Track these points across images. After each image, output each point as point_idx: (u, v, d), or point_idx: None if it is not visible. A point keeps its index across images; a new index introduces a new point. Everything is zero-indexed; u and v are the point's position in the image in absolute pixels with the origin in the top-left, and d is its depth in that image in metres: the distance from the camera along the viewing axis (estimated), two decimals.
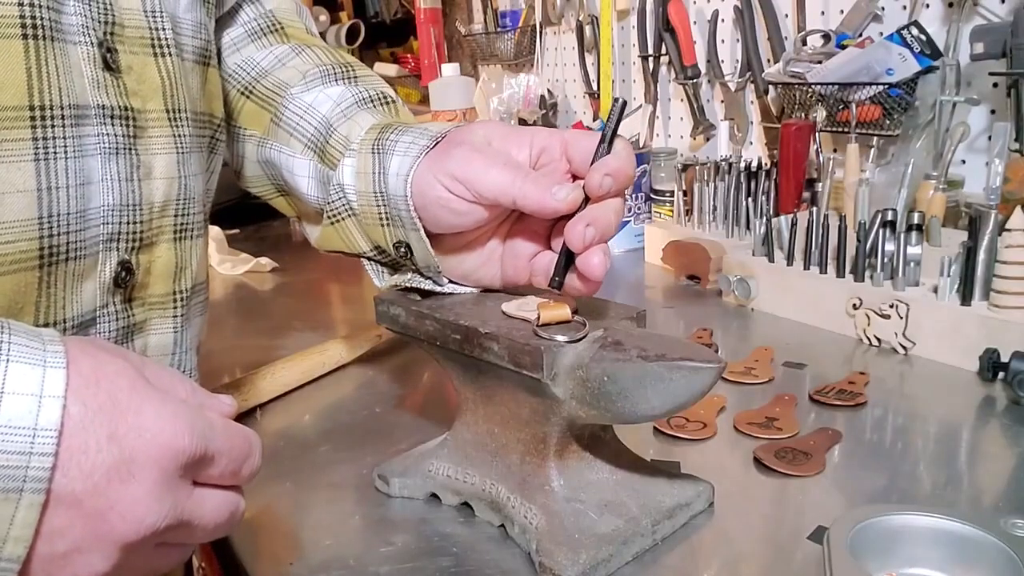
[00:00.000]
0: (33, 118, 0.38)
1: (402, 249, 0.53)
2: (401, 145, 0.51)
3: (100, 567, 0.30)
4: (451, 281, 0.54)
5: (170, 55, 0.46)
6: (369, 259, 0.58)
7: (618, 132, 0.47)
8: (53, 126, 0.39)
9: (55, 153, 0.39)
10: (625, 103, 0.47)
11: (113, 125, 0.42)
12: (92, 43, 0.41)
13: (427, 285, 0.53)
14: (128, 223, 0.43)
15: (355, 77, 0.59)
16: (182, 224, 0.47)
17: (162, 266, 0.46)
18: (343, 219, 0.55)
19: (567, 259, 0.47)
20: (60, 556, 0.29)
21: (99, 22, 0.42)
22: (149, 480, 0.30)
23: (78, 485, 0.29)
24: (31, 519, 0.28)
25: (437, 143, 0.50)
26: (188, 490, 0.33)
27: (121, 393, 0.31)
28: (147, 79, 0.44)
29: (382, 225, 0.53)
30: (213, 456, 0.33)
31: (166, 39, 0.46)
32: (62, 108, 0.39)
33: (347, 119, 0.56)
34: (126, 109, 0.43)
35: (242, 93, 0.59)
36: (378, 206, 0.52)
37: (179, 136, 0.46)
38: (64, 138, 0.39)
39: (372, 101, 0.57)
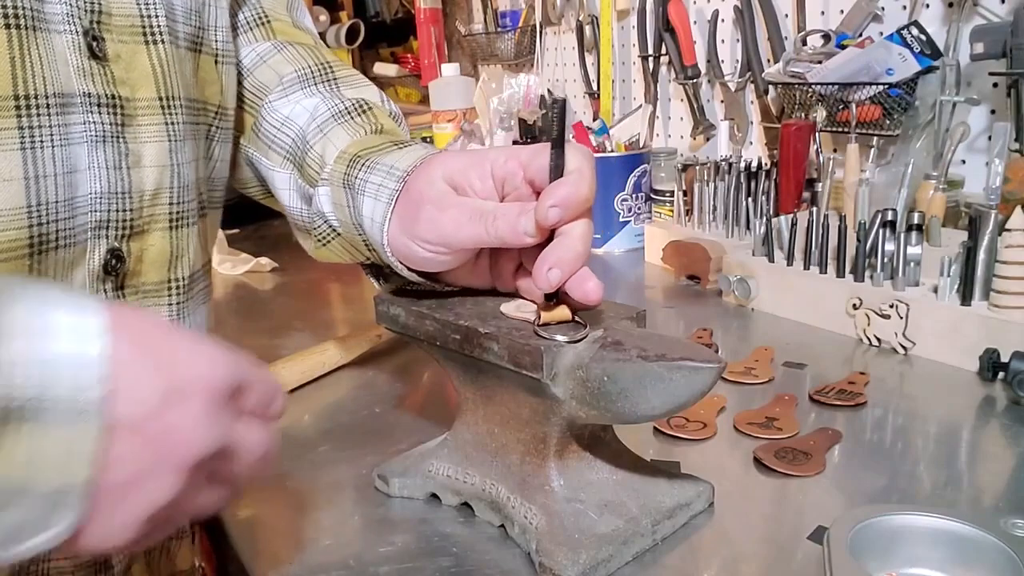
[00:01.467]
0: (18, 107, 0.38)
1: (389, 268, 0.53)
2: (371, 187, 0.51)
3: (164, 492, 0.31)
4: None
5: (163, 42, 0.46)
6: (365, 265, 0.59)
7: (565, 136, 0.45)
8: (39, 115, 0.39)
9: (41, 142, 0.39)
10: (564, 102, 0.45)
11: (100, 113, 0.42)
12: (77, 32, 0.42)
13: (426, 284, 0.54)
14: (117, 211, 0.44)
15: (335, 79, 0.58)
16: (177, 212, 0.47)
17: (155, 254, 0.47)
18: (331, 240, 0.56)
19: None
20: (125, 483, 0.30)
21: (85, 11, 0.42)
22: (199, 404, 0.31)
23: (136, 410, 0.30)
24: (96, 448, 0.29)
25: (404, 184, 0.49)
26: (233, 416, 0.34)
27: (158, 331, 0.32)
28: (137, 67, 0.44)
29: (369, 249, 0.53)
30: (248, 387, 0.35)
31: (159, 26, 0.46)
32: (47, 97, 0.39)
33: (322, 135, 0.56)
34: (113, 97, 0.43)
35: None
36: (360, 235, 0.53)
37: (172, 124, 0.46)
38: (50, 127, 0.40)
39: (348, 113, 0.57)
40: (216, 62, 0.53)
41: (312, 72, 0.58)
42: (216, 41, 0.54)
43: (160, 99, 0.46)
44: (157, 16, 0.46)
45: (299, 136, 0.56)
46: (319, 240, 0.56)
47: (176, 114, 0.47)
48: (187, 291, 0.50)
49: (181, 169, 0.47)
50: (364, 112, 0.58)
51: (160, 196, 0.46)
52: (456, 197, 0.47)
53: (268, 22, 0.61)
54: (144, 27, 0.45)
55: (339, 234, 0.55)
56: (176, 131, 0.47)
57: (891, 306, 0.76)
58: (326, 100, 0.57)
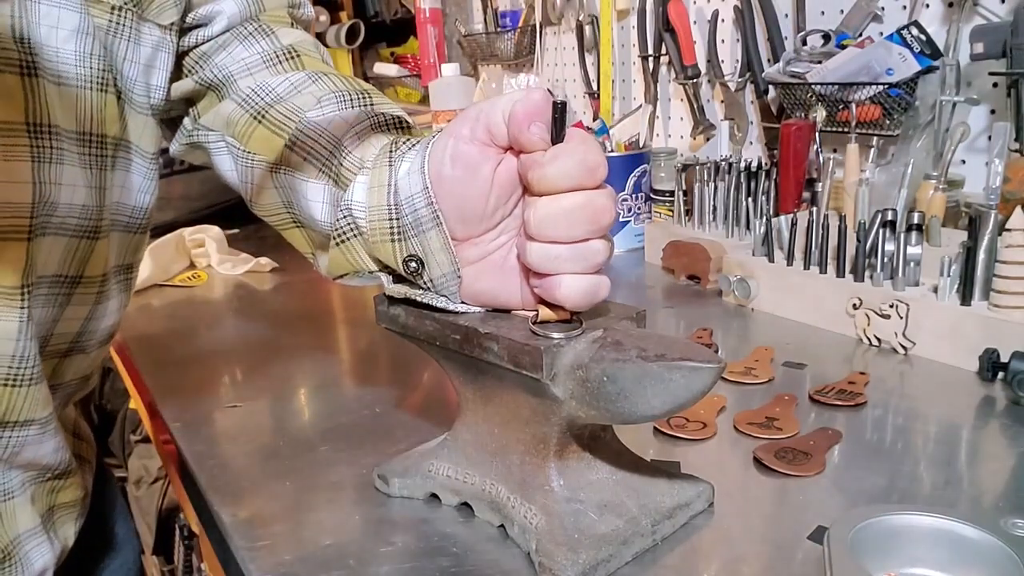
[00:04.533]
0: None
1: (412, 264, 0.51)
2: (413, 152, 0.51)
3: None
4: (463, 301, 0.51)
5: (41, 77, 0.48)
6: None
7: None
8: None
9: None
10: (565, 104, 0.44)
11: None
12: None
13: (439, 302, 0.51)
14: None
15: (371, 104, 0.58)
16: (37, 224, 0.49)
17: (10, 261, 0.48)
18: (348, 239, 0.54)
19: None
20: None
21: None
22: None
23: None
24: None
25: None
26: None
27: None
28: (3, 93, 0.46)
29: (392, 240, 0.51)
30: None
31: (34, 63, 0.47)
32: None
33: (361, 141, 0.56)
34: None
35: (254, 118, 0.57)
36: (389, 220, 0.51)
37: (39, 147, 0.48)
38: None
39: (387, 125, 0.57)
40: (120, 102, 0.55)
41: (350, 95, 0.57)
42: (128, 89, 0.55)
43: (28, 124, 0.47)
44: (33, 54, 0.47)
45: (337, 145, 0.56)
46: (336, 239, 0.55)
47: (45, 139, 0.48)
48: (53, 295, 0.52)
49: (47, 188, 0.48)
50: (403, 128, 0.58)
51: (21, 208, 0.47)
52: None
53: (298, 56, 0.61)
54: (21, 61, 0.47)
55: (360, 232, 0.53)
56: (43, 154, 0.48)
57: (891, 306, 0.76)
58: (365, 112, 0.57)
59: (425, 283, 0.51)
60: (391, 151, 0.53)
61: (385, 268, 0.54)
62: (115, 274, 0.57)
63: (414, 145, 0.52)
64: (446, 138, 0.48)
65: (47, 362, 0.53)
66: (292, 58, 0.60)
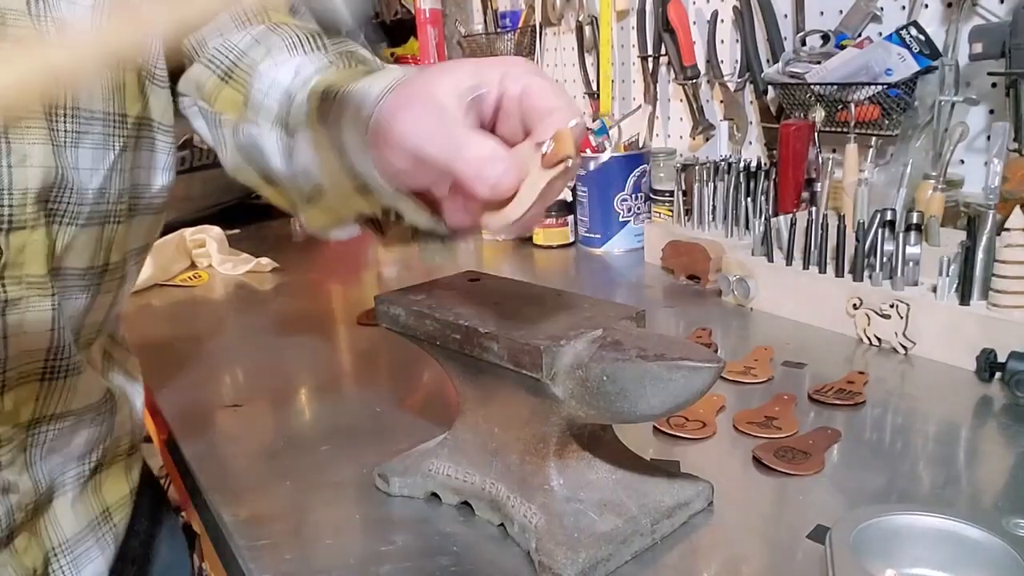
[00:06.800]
0: None
1: (392, 215, 0.49)
2: (349, 113, 0.46)
3: None
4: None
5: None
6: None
7: None
8: None
9: None
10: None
11: None
12: None
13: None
14: None
15: (323, 46, 0.57)
16: (62, 210, 0.49)
17: (38, 249, 0.48)
18: (318, 198, 0.53)
19: None
20: None
21: None
22: None
23: None
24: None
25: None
26: None
27: None
28: None
29: (360, 195, 0.49)
30: None
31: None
32: None
33: (305, 88, 0.53)
34: None
35: (222, 79, 0.58)
36: (343, 164, 0.48)
37: (55, 131, 0.48)
38: None
39: (331, 66, 0.55)
40: (141, 78, 0.54)
41: (301, 40, 0.56)
42: (149, 64, 0.54)
43: (44, 107, 0.47)
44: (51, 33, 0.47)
45: (285, 93, 0.54)
46: (308, 200, 0.54)
47: (60, 122, 0.48)
48: (84, 286, 0.51)
49: (68, 173, 0.48)
50: (348, 58, 0.55)
51: (44, 194, 0.47)
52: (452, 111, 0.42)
53: (265, 11, 0.59)
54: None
55: (324, 191, 0.51)
56: (60, 137, 0.48)
57: (891, 306, 0.76)
58: (312, 57, 0.55)
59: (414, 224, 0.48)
60: (320, 108, 0.49)
61: (363, 218, 0.53)
62: (133, 256, 0.58)
63: (345, 100, 0.47)
64: (422, 108, 0.42)
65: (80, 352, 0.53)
66: (259, 13, 0.59)
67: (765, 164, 1.08)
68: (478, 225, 0.45)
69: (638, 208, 1.21)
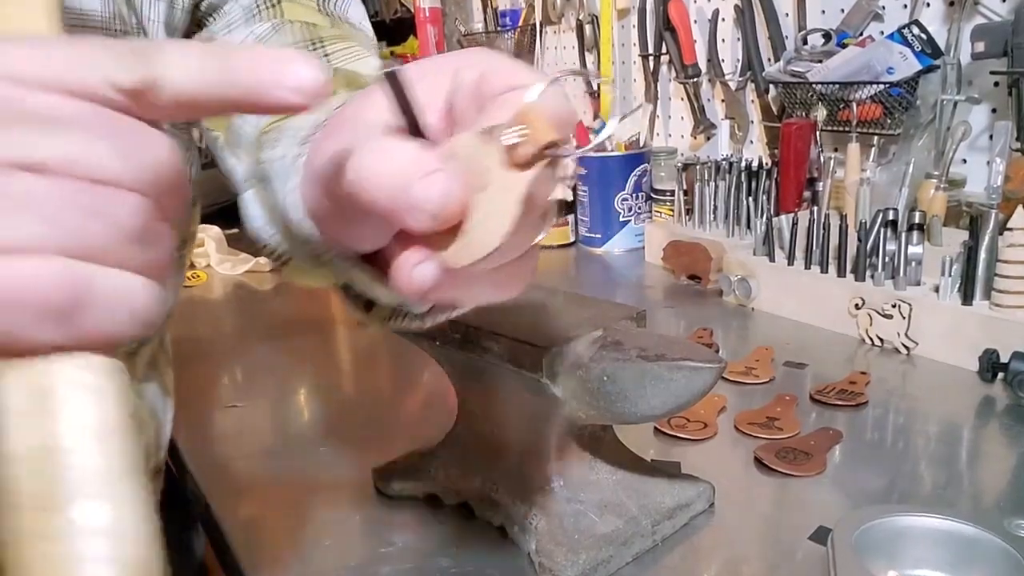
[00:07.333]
0: None
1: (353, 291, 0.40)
2: (276, 165, 0.39)
3: None
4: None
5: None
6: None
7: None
8: None
9: None
10: (395, 73, 0.27)
11: None
12: None
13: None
14: None
15: (325, 56, 0.49)
16: None
17: None
18: (286, 262, 0.45)
19: None
20: None
21: None
22: None
23: None
24: None
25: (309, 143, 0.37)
26: None
27: None
28: None
29: (315, 264, 0.40)
30: None
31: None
32: None
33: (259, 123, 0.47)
34: None
35: None
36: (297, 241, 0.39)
37: None
38: None
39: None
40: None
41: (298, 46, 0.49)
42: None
43: None
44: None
45: (255, 128, 0.45)
46: (277, 261, 0.45)
47: None
48: None
49: None
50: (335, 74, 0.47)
51: None
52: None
53: (279, 2, 0.52)
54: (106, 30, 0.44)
55: (285, 260, 0.44)
56: None
57: (894, 306, 0.76)
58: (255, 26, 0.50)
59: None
60: (258, 155, 0.43)
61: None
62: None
63: (276, 143, 0.40)
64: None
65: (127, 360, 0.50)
66: (272, 6, 0.52)
67: (766, 163, 1.08)
68: (453, 287, 0.30)
69: (639, 208, 1.21)
